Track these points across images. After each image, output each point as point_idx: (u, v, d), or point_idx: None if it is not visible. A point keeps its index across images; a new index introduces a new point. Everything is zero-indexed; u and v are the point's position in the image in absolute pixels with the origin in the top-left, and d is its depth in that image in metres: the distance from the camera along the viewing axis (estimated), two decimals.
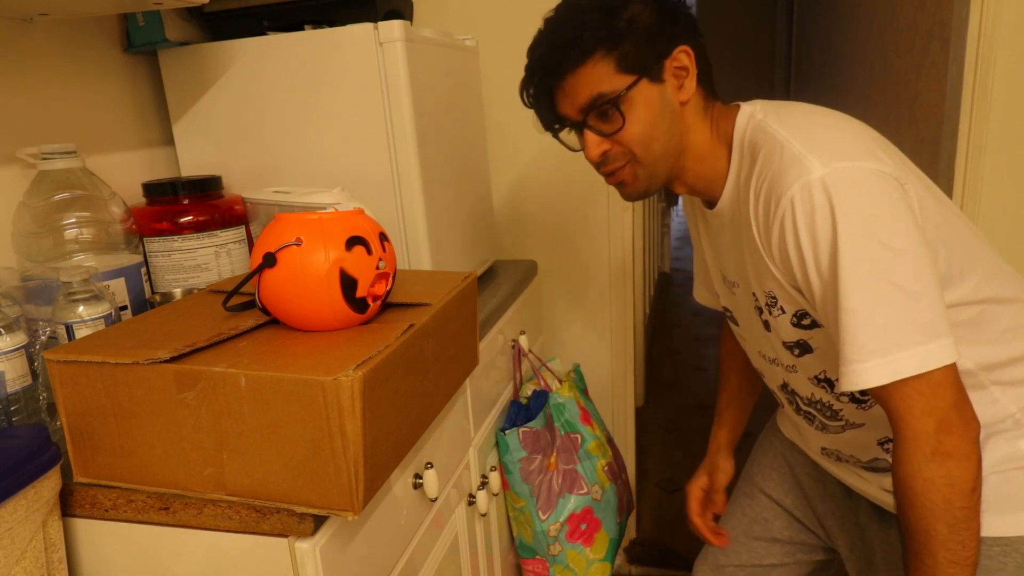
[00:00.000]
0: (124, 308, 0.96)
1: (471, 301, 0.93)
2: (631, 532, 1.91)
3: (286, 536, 0.66)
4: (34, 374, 0.78)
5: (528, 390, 1.39)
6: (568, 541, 1.31)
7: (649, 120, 0.78)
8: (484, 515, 1.18)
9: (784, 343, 0.83)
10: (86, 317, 0.81)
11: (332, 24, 1.11)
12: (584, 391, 1.51)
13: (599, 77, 0.77)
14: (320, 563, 0.66)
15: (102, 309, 0.82)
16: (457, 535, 1.07)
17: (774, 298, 0.79)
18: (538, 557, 1.34)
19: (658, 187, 0.85)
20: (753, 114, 0.79)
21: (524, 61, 0.82)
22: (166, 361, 0.64)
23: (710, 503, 1.15)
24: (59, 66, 1.06)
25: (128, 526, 0.70)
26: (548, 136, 0.85)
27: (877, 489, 0.88)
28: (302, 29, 1.13)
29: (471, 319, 0.94)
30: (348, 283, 0.69)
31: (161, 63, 1.18)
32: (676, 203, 4.65)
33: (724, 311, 0.98)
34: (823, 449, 0.94)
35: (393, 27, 1.05)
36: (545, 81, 0.80)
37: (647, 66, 0.77)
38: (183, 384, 0.64)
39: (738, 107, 0.82)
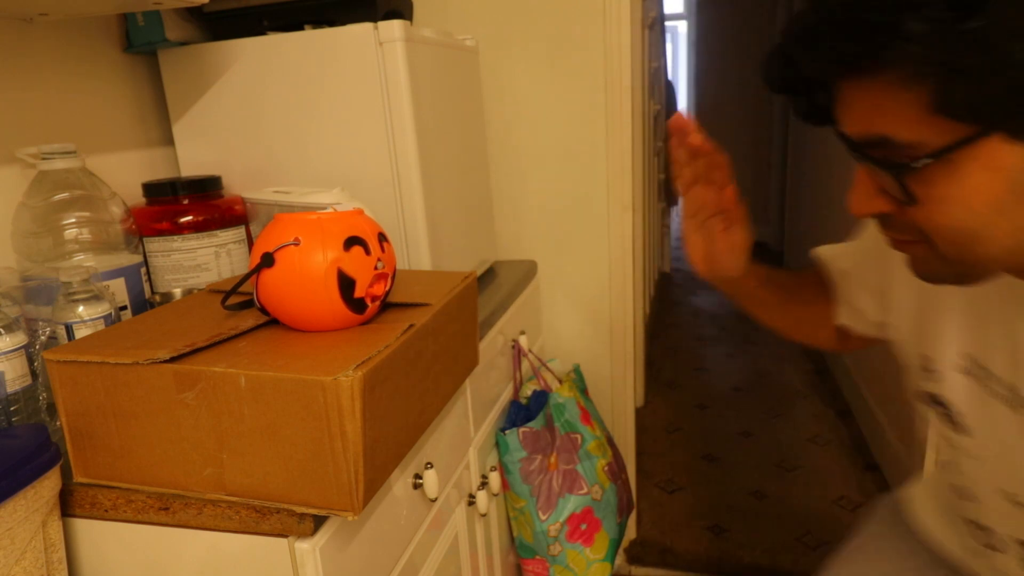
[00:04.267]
0: (124, 308, 0.96)
1: (471, 301, 0.93)
2: (631, 532, 1.91)
3: (286, 536, 0.66)
4: (34, 374, 0.78)
5: (528, 390, 1.39)
6: (568, 541, 1.31)
7: (978, 208, 0.44)
8: (484, 515, 1.18)
9: None
10: (86, 317, 0.81)
11: (332, 24, 1.11)
12: (584, 391, 1.51)
13: (890, 109, 0.44)
14: (320, 563, 0.66)
15: (102, 309, 0.82)
16: (457, 535, 1.07)
17: None
18: (538, 557, 1.34)
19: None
20: None
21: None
22: (166, 361, 0.64)
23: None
24: (59, 66, 1.06)
25: (128, 526, 0.70)
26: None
27: None
28: (302, 29, 1.13)
29: (471, 319, 0.94)
30: (346, 283, 0.69)
31: (161, 63, 1.18)
32: (676, 203, 4.60)
33: (929, 399, 0.68)
34: None
35: (393, 27, 1.05)
36: (808, 69, 0.48)
37: (1009, 112, 0.40)
38: (183, 384, 0.64)
39: None
